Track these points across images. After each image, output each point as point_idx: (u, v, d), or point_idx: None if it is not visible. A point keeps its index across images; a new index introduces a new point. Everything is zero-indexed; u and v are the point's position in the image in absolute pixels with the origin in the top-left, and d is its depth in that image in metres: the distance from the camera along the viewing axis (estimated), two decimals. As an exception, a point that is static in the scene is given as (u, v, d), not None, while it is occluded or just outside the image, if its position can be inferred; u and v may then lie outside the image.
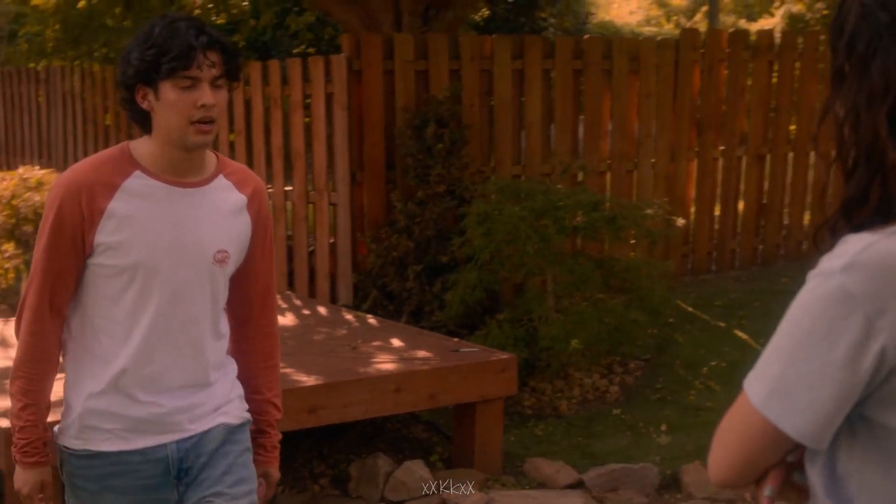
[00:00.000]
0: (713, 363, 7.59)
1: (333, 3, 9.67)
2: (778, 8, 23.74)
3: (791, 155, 9.93)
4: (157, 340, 3.02)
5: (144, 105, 2.93)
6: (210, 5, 12.82)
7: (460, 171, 8.07)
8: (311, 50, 15.12)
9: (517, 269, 7.34)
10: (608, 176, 9.09)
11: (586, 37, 9.96)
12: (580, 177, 8.80)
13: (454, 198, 8.02)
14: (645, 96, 9.12)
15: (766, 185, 9.89)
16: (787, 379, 1.63)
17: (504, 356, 6.29)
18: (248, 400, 3.26)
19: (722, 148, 9.59)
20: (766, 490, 1.74)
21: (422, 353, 6.27)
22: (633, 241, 8.37)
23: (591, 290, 7.27)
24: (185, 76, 2.85)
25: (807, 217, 10.11)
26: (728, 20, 28.32)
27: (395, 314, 7.96)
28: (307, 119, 8.69)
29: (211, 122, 2.92)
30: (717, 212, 9.72)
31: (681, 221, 8.62)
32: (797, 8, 22.27)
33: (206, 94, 2.88)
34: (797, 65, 9.84)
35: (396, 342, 6.54)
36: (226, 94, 2.97)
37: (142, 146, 3.02)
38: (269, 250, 3.27)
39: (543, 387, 7.33)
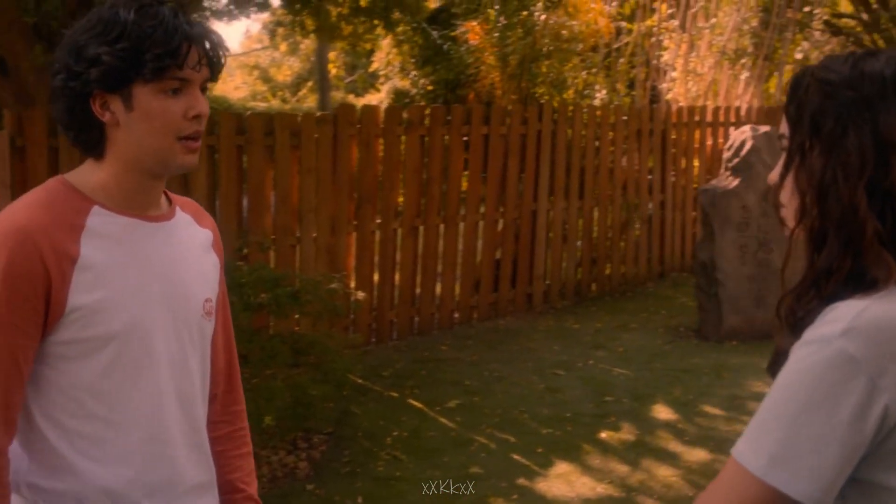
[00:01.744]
0: (395, 433, 7.67)
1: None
2: (383, 84, 24.53)
3: (442, 226, 10.26)
4: (160, 434, 2.29)
5: (105, 118, 2.18)
6: None
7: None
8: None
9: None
10: (272, 250, 9.06)
11: (249, 113, 9.93)
12: (244, 251, 8.73)
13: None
14: (306, 171, 9.18)
15: (419, 256, 10.15)
16: (790, 444, 1.63)
17: (206, 438, 6.13)
18: (225, 502, 2.60)
19: (379, 221, 9.77)
20: None
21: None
22: (297, 316, 8.37)
23: (280, 365, 7.22)
24: (174, 77, 2.16)
25: (457, 287, 10.45)
26: (337, 95, 28.96)
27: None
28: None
29: (199, 137, 2.25)
30: (375, 283, 9.89)
31: (361, 295, 8.71)
32: (402, 84, 23.07)
33: (199, 101, 2.21)
34: (446, 138, 10.19)
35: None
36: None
37: (87, 176, 2.26)
38: (227, 307, 2.59)
39: (231, 467, 7.18)
